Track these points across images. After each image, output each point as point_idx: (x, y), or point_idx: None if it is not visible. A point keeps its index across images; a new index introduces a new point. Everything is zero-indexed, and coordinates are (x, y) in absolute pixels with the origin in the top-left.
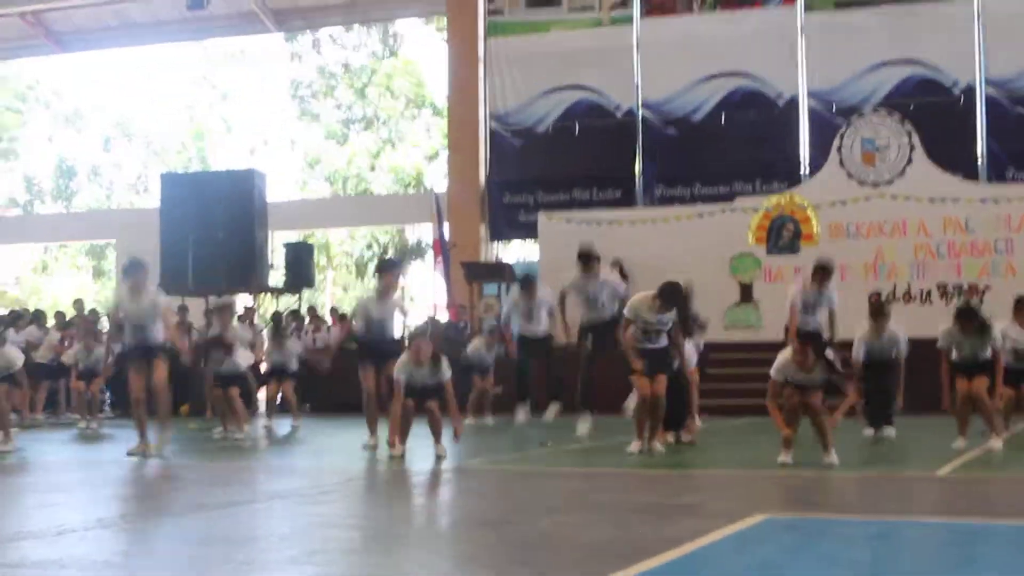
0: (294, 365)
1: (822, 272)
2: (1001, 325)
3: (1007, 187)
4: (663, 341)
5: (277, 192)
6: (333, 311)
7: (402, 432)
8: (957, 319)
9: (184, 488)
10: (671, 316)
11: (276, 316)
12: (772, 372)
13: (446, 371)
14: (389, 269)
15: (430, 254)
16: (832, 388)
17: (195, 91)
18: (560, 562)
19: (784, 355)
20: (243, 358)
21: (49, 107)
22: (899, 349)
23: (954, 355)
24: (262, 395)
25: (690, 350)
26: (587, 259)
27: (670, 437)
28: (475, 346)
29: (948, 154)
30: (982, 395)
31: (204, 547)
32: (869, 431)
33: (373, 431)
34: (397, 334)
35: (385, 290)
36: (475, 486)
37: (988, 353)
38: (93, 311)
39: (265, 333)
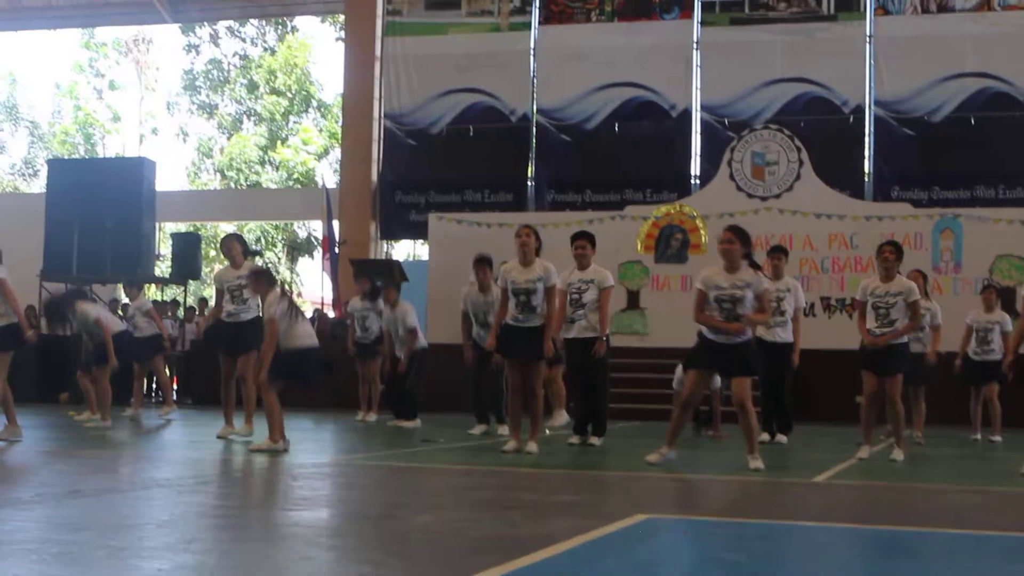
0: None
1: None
2: None
3: (892, 206)
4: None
5: (166, 182)
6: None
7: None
8: None
9: (60, 475)
10: None
11: None
12: None
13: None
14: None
15: (319, 250)
16: None
17: (82, 78)
18: (439, 556)
19: None
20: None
21: None
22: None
23: None
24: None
25: None
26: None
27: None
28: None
29: (836, 172)
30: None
31: (78, 533)
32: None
33: (229, 421)
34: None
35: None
36: (356, 480)
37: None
38: None
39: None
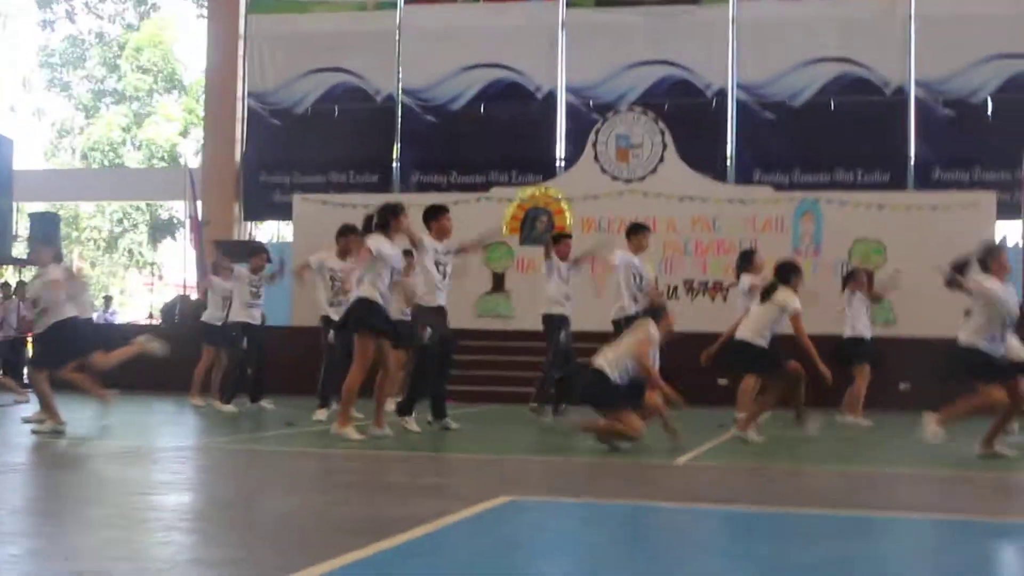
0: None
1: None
2: None
3: (753, 189)
4: None
5: (24, 161)
6: None
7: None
8: None
9: None
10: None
11: None
12: None
13: None
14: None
15: (181, 231)
16: None
17: None
18: (304, 540)
19: None
20: None
21: None
22: None
23: None
24: None
25: None
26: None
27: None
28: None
29: (699, 155)
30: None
31: None
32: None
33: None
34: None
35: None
36: (218, 464)
37: None
38: None
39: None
